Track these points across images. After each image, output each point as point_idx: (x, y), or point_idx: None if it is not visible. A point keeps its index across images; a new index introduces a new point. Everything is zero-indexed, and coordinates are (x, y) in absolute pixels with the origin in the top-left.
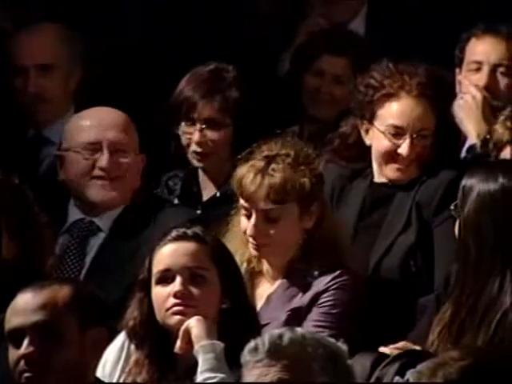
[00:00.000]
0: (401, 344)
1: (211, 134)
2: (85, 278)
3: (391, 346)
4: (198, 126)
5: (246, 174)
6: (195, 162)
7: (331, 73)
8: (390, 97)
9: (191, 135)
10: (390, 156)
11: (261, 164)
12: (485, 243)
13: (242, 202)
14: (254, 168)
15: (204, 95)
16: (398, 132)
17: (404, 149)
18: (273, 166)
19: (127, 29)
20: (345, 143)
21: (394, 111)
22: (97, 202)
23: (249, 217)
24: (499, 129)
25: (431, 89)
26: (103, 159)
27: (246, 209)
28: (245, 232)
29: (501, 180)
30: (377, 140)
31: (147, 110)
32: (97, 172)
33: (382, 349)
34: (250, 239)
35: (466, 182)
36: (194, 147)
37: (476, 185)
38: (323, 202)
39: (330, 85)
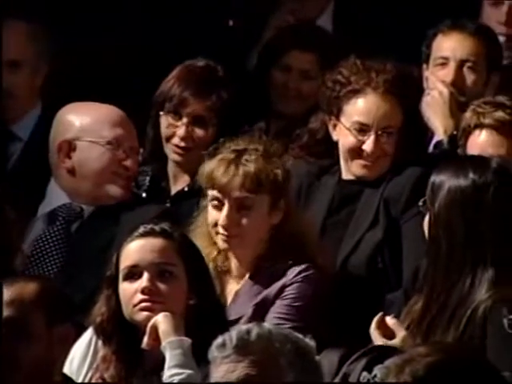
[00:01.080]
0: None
1: (197, 131)
2: (64, 266)
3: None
4: (185, 120)
5: (217, 167)
6: (173, 156)
7: (298, 68)
8: (356, 93)
9: (176, 128)
10: (356, 152)
11: (231, 156)
12: (455, 240)
13: (213, 193)
14: (224, 160)
15: (197, 92)
16: (362, 128)
17: (368, 145)
18: (245, 157)
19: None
20: (313, 139)
21: (360, 108)
22: (112, 196)
23: (219, 208)
24: (468, 115)
25: (398, 86)
26: (129, 161)
27: (217, 200)
28: (214, 224)
29: (471, 176)
30: (343, 136)
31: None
32: (120, 170)
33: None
34: (221, 230)
35: (436, 177)
36: (176, 141)
37: (446, 181)
38: (290, 198)
39: (298, 80)
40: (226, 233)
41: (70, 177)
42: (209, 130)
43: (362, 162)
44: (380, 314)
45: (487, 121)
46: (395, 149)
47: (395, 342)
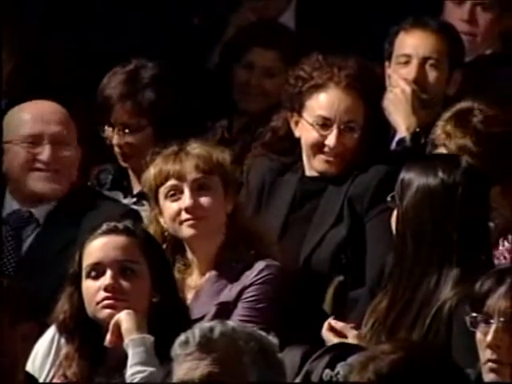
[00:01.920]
0: (340, 325)
1: (129, 137)
2: (19, 270)
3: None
4: (116, 129)
5: (165, 162)
6: (120, 162)
7: (261, 65)
8: (318, 88)
9: (111, 138)
10: (318, 148)
11: (175, 149)
12: (422, 238)
13: (168, 184)
14: (170, 154)
15: (118, 99)
16: (325, 123)
17: (331, 140)
18: (189, 147)
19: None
20: (276, 136)
21: (322, 102)
22: (38, 192)
23: (178, 198)
24: (437, 130)
25: (360, 81)
26: (44, 152)
27: (175, 189)
28: (177, 215)
29: (440, 175)
30: (305, 132)
31: (79, 104)
32: (38, 164)
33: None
34: (186, 216)
35: (405, 175)
36: (117, 149)
37: (415, 179)
38: (236, 194)
39: (260, 77)
40: (191, 216)
41: (8, 182)
42: (140, 134)
43: (324, 157)
44: (328, 320)
45: (451, 146)
46: (358, 145)
47: (349, 340)
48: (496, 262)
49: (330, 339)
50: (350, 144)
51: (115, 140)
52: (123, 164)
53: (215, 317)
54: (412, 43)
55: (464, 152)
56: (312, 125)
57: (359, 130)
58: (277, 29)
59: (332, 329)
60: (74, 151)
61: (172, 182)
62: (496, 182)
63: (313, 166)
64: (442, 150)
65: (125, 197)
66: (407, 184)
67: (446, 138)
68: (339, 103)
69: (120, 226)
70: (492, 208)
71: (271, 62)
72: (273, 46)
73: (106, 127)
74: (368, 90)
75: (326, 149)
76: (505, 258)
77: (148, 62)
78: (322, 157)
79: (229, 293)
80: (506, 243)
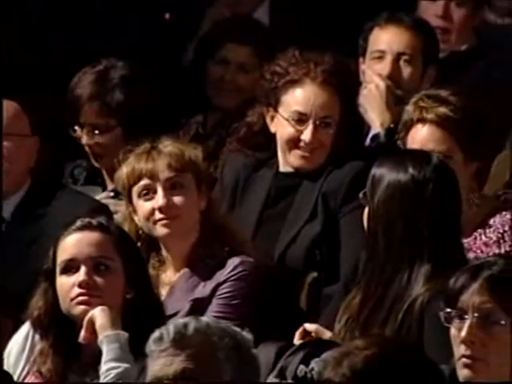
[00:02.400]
0: (313, 327)
1: (98, 138)
2: None
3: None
4: (85, 129)
5: (137, 161)
6: (92, 161)
7: (235, 61)
8: (294, 83)
9: (81, 138)
10: (294, 143)
11: (147, 148)
12: (393, 234)
13: (141, 184)
14: (142, 153)
15: (87, 99)
16: (301, 118)
17: (306, 135)
18: (161, 145)
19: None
20: (251, 132)
21: (298, 97)
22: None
23: (151, 197)
24: (410, 108)
25: (336, 77)
26: None
27: (148, 188)
28: (150, 214)
29: (411, 171)
30: (281, 127)
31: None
32: None
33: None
34: (159, 215)
35: (376, 171)
36: (88, 149)
37: (386, 175)
38: (210, 190)
39: (234, 73)
40: (164, 215)
41: None
42: (110, 134)
43: (299, 152)
44: (301, 328)
45: (430, 116)
46: (333, 141)
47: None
48: (473, 255)
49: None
50: (326, 140)
51: (85, 140)
52: (95, 163)
53: (189, 313)
54: (386, 39)
55: (444, 121)
56: (288, 120)
57: (335, 125)
58: (251, 24)
59: (304, 337)
60: (19, 141)
61: (145, 181)
62: (473, 159)
63: (288, 161)
64: (419, 127)
65: (103, 190)
66: (378, 180)
67: (422, 112)
68: (315, 99)
69: (94, 222)
70: (472, 189)
71: (245, 57)
72: (247, 41)
73: (76, 127)
74: (344, 85)
75: (302, 144)
76: (482, 251)
77: (118, 61)
78: (297, 152)
79: (203, 289)
80: (483, 237)
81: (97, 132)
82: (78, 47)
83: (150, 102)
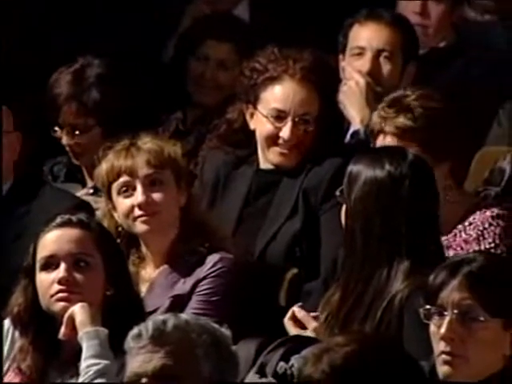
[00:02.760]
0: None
1: (78, 138)
2: None
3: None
4: (65, 130)
5: (117, 157)
6: (72, 159)
7: (215, 58)
8: (273, 80)
9: (61, 138)
10: (272, 140)
11: (126, 144)
12: (371, 231)
13: (121, 181)
14: (121, 149)
15: (65, 100)
16: (280, 115)
17: (285, 132)
18: (140, 141)
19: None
20: (231, 128)
21: (277, 95)
22: None
23: (131, 194)
24: (374, 118)
25: (315, 74)
26: None
27: (127, 185)
28: (130, 211)
29: (387, 167)
30: (260, 124)
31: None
32: None
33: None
34: (138, 212)
35: (353, 168)
36: (67, 148)
37: (362, 172)
38: (189, 187)
39: (214, 70)
40: (143, 212)
41: None
42: (89, 133)
43: (278, 149)
44: (294, 306)
45: (388, 128)
46: (312, 138)
47: (308, 333)
48: (452, 252)
49: (290, 329)
50: (305, 137)
51: (65, 141)
52: (75, 162)
53: (169, 310)
54: (366, 36)
55: (402, 131)
56: (266, 117)
57: (314, 122)
58: (231, 21)
59: (294, 318)
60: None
61: (124, 178)
62: (444, 159)
63: (268, 158)
64: (381, 138)
65: (83, 187)
66: (355, 177)
67: (381, 122)
68: (294, 96)
69: (74, 218)
70: (444, 186)
71: (225, 54)
72: (227, 38)
73: (56, 128)
74: (323, 82)
75: (281, 141)
76: (461, 248)
77: (94, 59)
78: (276, 149)
79: (183, 286)
80: (463, 234)
81: (77, 132)
82: (60, 45)
83: (129, 100)
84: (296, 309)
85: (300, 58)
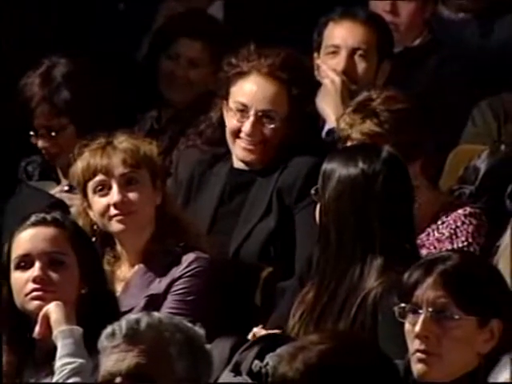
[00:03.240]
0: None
1: (54, 138)
2: None
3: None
4: (40, 132)
5: (93, 156)
6: (48, 161)
7: (186, 56)
8: (242, 75)
9: (37, 142)
10: (236, 134)
11: (102, 143)
12: (345, 229)
13: (96, 180)
14: (97, 148)
15: (36, 104)
16: (243, 109)
17: (246, 126)
18: (116, 140)
19: None
20: (210, 125)
21: (243, 89)
22: None
23: (106, 193)
24: (341, 124)
25: (284, 71)
26: None
27: (103, 184)
28: (105, 210)
29: (361, 165)
30: (228, 118)
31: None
32: None
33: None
34: (114, 211)
35: (327, 166)
36: (43, 151)
37: (336, 169)
38: (164, 185)
39: (185, 68)
40: (119, 211)
41: None
42: (62, 133)
43: (242, 144)
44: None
45: (355, 135)
46: (281, 135)
47: None
48: (425, 251)
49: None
50: (269, 133)
51: (41, 144)
52: (52, 163)
53: (144, 309)
54: (341, 34)
55: (369, 137)
56: (232, 110)
57: (280, 119)
58: (204, 19)
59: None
60: None
61: (100, 177)
62: (414, 159)
63: (234, 153)
64: (349, 144)
65: (58, 185)
66: (329, 175)
67: (348, 129)
68: (258, 90)
69: (49, 217)
70: (416, 186)
71: (197, 52)
72: (199, 36)
73: (32, 132)
74: (293, 80)
75: (243, 135)
76: (435, 247)
77: (60, 58)
78: (240, 144)
79: (158, 285)
80: (436, 233)
81: (53, 134)
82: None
83: (100, 97)
84: (256, 330)
85: (271, 54)
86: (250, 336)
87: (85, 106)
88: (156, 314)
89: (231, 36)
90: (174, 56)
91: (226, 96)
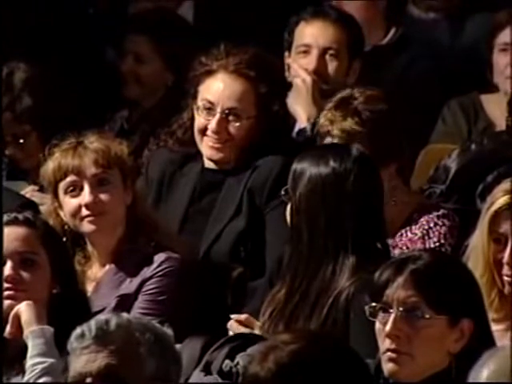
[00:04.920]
0: (243, 316)
1: (19, 145)
2: None
3: (234, 317)
4: (8, 139)
5: (64, 157)
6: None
7: (132, 51)
8: (209, 74)
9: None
10: (203, 133)
11: (73, 144)
12: (316, 228)
13: (68, 180)
14: (68, 149)
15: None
16: (210, 107)
17: (212, 124)
18: (87, 140)
19: None
20: (182, 125)
21: (209, 87)
22: None
23: (78, 194)
24: (321, 120)
25: (252, 69)
26: None
27: (74, 185)
28: (77, 211)
29: (331, 164)
30: (196, 117)
31: None
32: None
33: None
34: (85, 212)
35: (297, 165)
36: (11, 157)
37: (307, 169)
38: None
39: (132, 64)
40: (91, 212)
41: None
42: (27, 139)
43: (209, 142)
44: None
45: (335, 131)
46: (251, 135)
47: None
48: (398, 251)
49: (234, 329)
50: (236, 132)
51: (8, 151)
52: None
53: (116, 309)
54: (312, 33)
55: (349, 135)
56: (200, 109)
57: (247, 117)
58: (151, 15)
59: (238, 321)
60: None
61: (71, 177)
62: (392, 160)
63: (202, 151)
64: (328, 140)
65: (28, 185)
66: (299, 174)
67: (329, 125)
68: (224, 88)
69: (20, 216)
70: (392, 187)
71: (140, 47)
72: (143, 31)
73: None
74: (261, 78)
75: (209, 133)
76: (407, 248)
77: (19, 63)
78: (207, 142)
79: (129, 285)
80: (408, 233)
81: (21, 141)
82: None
83: (63, 101)
84: (235, 316)
85: (239, 53)
86: (229, 324)
87: (47, 111)
88: (125, 314)
89: (194, 31)
90: (122, 53)
91: (195, 95)
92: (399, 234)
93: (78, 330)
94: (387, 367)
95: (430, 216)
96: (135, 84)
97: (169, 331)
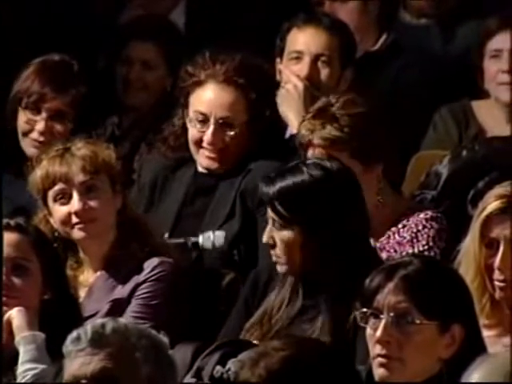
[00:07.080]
0: None
1: (56, 126)
2: None
3: None
4: (44, 115)
5: (51, 164)
6: (30, 149)
7: (139, 58)
8: (199, 84)
9: (35, 123)
10: (198, 144)
11: (60, 151)
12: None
13: (56, 188)
14: (56, 156)
15: (57, 87)
16: (203, 119)
17: (207, 136)
18: (74, 147)
19: None
20: (173, 133)
21: (200, 98)
22: None
23: (67, 201)
24: (301, 130)
25: (241, 76)
26: None
27: (63, 193)
28: (67, 219)
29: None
30: (189, 128)
31: None
32: None
33: None
34: (75, 219)
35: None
36: (35, 135)
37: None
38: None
39: (139, 71)
40: (80, 219)
41: None
42: (67, 124)
43: (205, 153)
44: None
45: (316, 140)
46: (242, 141)
47: None
48: (386, 254)
49: None
50: (230, 140)
51: (40, 126)
52: (32, 151)
53: (108, 314)
54: (304, 40)
55: (330, 141)
56: (193, 121)
57: (240, 125)
58: (154, 21)
59: None
60: None
61: (60, 185)
62: (376, 161)
63: (199, 161)
64: (311, 150)
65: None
66: None
67: (309, 135)
68: (215, 99)
69: (12, 222)
70: (379, 189)
71: (149, 54)
72: (148, 37)
73: (30, 113)
74: (250, 85)
75: (205, 144)
76: (395, 251)
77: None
78: (203, 153)
79: (122, 290)
80: (396, 236)
81: (55, 120)
82: None
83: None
84: None
85: (226, 60)
86: None
87: (88, 104)
88: (121, 319)
89: (186, 38)
90: (126, 60)
91: (185, 105)
92: (386, 236)
93: (74, 334)
94: (378, 373)
95: (419, 219)
96: (141, 91)
97: (164, 339)
